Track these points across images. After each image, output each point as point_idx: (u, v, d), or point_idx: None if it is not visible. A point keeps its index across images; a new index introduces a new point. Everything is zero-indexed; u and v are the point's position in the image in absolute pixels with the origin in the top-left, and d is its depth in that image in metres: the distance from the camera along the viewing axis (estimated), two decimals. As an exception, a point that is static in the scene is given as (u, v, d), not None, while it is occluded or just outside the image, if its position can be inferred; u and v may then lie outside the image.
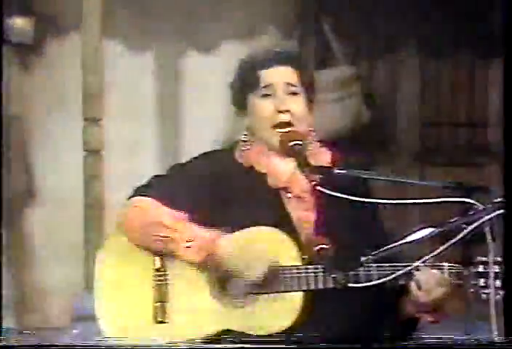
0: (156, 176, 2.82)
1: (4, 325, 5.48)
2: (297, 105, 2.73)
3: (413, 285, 2.61)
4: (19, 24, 5.56)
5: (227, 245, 2.65)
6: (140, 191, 2.77)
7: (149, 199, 2.73)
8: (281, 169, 2.74)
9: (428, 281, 2.60)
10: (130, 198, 2.78)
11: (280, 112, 2.72)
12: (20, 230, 5.70)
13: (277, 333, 2.61)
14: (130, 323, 2.71)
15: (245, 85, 2.77)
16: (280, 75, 2.74)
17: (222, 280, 2.68)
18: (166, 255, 2.70)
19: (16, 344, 2.57)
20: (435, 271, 2.61)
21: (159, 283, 2.71)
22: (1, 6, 2.86)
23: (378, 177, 2.78)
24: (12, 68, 5.68)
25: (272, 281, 2.63)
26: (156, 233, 2.68)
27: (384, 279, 2.59)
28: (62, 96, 5.59)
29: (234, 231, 2.66)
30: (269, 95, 2.73)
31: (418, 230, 2.61)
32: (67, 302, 5.25)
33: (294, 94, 2.74)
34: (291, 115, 2.72)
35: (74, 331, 5.02)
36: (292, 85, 2.74)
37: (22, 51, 5.66)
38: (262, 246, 2.64)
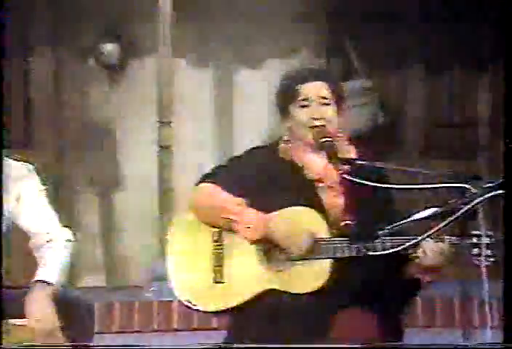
0: (218, 166, 2.80)
1: (95, 284, 5.52)
2: (328, 112, 2.70)
3: (420, 252, 2.57)
4: (108, 49, 5.58)
5: (276, 224, 2.62)
6: (205, 178, 2.75)
7: (212, 185, 2.71)
8: (316, 163, 2.70)
9: (433, 249, 2.56)
10: (197, 184, 2.76)
11: (315, 119, 2.69)
12: (109, 208, 5.72)
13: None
14: (194, 282, 2.69)
15: (286, 97, 2.73)
16: (315, 90, 2.70)
17: (269, 251, 2.66)
18: (224, 230, 2.69)
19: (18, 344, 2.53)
20: (438, 242, 2.57)
21: (217, 251, 2.68)
22: (1, 5, 2.80)
23: (391, 167, 2.75)
24: (102, 83, 5.69)
25: (309, 250, 2.61)
26: (220, 215, 2.66)
27: (396, 249, 2.56)
28: (142, 104, 5.60)
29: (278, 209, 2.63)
30: (306, 105, 2.70)
31: (424, 210, 2.58)
32: (145, 265, 5.25)
33: (326, 104, 2.71)
34: (323, 120, 2.69)
35: (151, 289, 5.02)
36: (325, 97, 2.70)
37: (110, 70, 5.67)
38: (302, 223, 2.61)
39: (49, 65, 5.64)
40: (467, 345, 2.44)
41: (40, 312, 2.62)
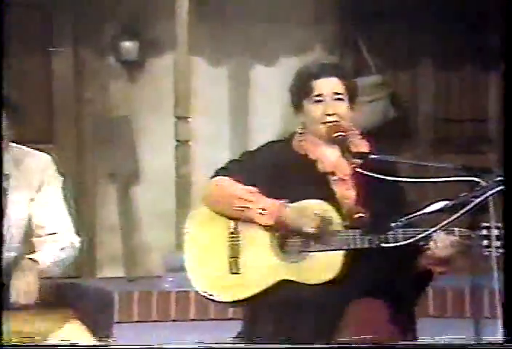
0: (232, 160, 2.79)
1: (115, 275, 5.53)
2: (342, 108, 2.68)
3: (432, 243, 2.55)
4: (127, 46, 5.58)
5: (290, 208, 2.61)
6: (220, 172, 2.75)
7: (227, 178, 2.70)
8: (328, 157, 2.69)
9: (444, 241, 2.55)
10: (212, 177, 2.75)
11: (328, 114, 2.67)
12: (127, 202, 5.73)
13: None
14: (211, 273, 2.69)
15: (300, 92, 2.71)
16: (328, 85, 2.68)
17: (282, 241, 2.65)
18: (241, 221, 2.67)
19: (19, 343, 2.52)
20: (449, 234, 2.56)
21: (233, 242, 2.68)
22: (1, 2, 2.78)
23: (403, 161, 2.74)
24: (121, 80, 5.70)
25: (321, 240, 2.60)
26: (235, 204, 2.65)
27: (408, 240, 2.55)
28: (159, 99, 5.60)
29: (291, 202, 2.62)
30: (320, 101, 2.68)
31: (435, 203, 2.56)
32: (163, 256, 5.26)
33: (340, 99, 2.69)
34: (336, 116, 2.68)
35: (169, 279, 5.03)
36: (338, 93, 2.69)
37: (129, 66, 5.68)
38: (315, 212, 2.60)
39: (70, 62, 5.65)
40: (474, 343, 2.41)
41: (24, 286, 2.61)
